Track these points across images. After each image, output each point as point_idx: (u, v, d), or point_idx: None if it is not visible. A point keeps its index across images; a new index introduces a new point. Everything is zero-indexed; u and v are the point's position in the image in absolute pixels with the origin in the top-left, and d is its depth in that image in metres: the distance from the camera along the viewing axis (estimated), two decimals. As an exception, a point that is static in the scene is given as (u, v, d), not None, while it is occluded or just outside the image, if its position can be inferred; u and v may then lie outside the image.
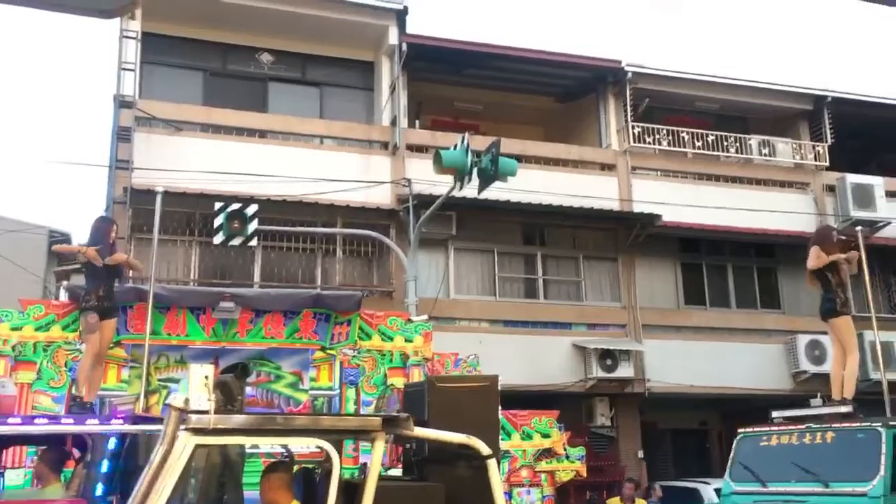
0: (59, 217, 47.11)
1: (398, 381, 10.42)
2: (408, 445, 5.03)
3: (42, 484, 6.46)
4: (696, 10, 51.44)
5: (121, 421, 6.39)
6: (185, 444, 3.73)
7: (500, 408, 5.29)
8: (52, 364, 9.56)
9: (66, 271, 15.88)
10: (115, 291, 8.78)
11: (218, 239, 11.21)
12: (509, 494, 10.49)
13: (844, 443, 7.10)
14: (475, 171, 10.57)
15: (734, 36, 51.30)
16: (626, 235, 15.26)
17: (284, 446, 5.55)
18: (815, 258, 8.48)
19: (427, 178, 12.60)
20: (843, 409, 7.75)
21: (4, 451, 7.67)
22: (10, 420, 6.51)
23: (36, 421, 6.59)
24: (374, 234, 12.76)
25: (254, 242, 11.68)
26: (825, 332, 12.87)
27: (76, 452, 6.74)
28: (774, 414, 8.11)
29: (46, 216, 45.67)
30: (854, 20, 50.06)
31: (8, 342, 9.48)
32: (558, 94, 17.22)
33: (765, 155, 16.74)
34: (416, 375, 10.49)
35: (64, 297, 11.42)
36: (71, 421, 6.72)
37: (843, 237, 13.65)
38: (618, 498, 11.74)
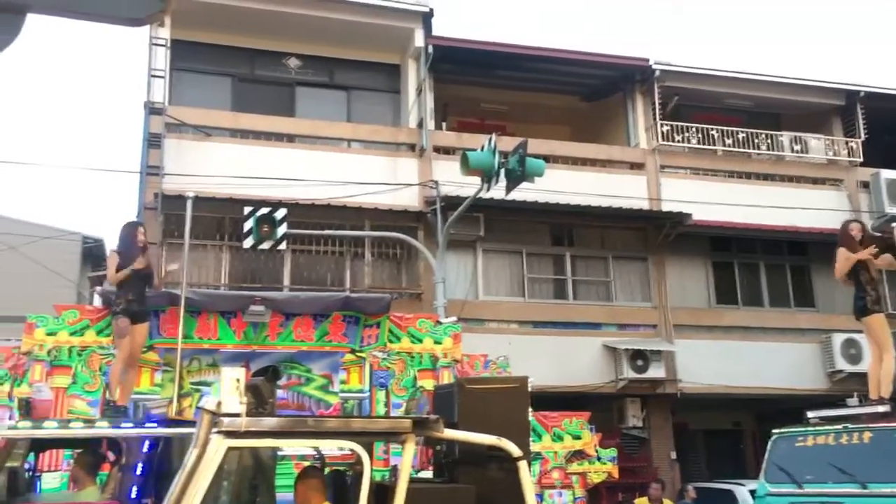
0: (92, 223, 47.83)
1: (428, 384, 10.42)
2: (438, 447, 5.03)
3: (78, 487, 6.55)
4: (724, 7, 50.93)
5: (154, 424, 6.46)
6: (218, 446, 3.76)
7: (530, 409, 5.27)
8: (87, 368, 9.69)
9: (99, 277, 16.12)
10: (148, 296, 8.87)
11: (248, 243, 11.31)
12: (541, 496, 10.44)
13: (882, 443, 6.96)
14: (502, 172, 10.56)
15: (763, 32, 50.71)
16: (655, 235, 15.14)
17: (316, 449, 5.57)
18: (842, 262, 8.29)
19: (454, 180, 12.60)
20: (881, 408, 7.60)
21: (41, 455, 7.78)
22: (47, 424, 6.61)
23: (72, 424, 6.69)
24: (402, 236, 12.78)
25: (283, 246, 11.77)
26: (861, 331, 12.68)
27: (111, 455, 6.83)
28: (810, 414, 7.97)
29: (80, 222, 46.35)
30: (886, 13, 49.25)
31: (44, 347, 9.63)
32: (585, 94, 17.13)
33: (797, 151, 16.52)
34: (446, 377, 10.49)
35: (97, 302, 11.58)
36: (106, 424, 6.80)
37: (878, 234, 13.44)
38: (646, 498, 11.66)
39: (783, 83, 16.72)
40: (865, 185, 16.41)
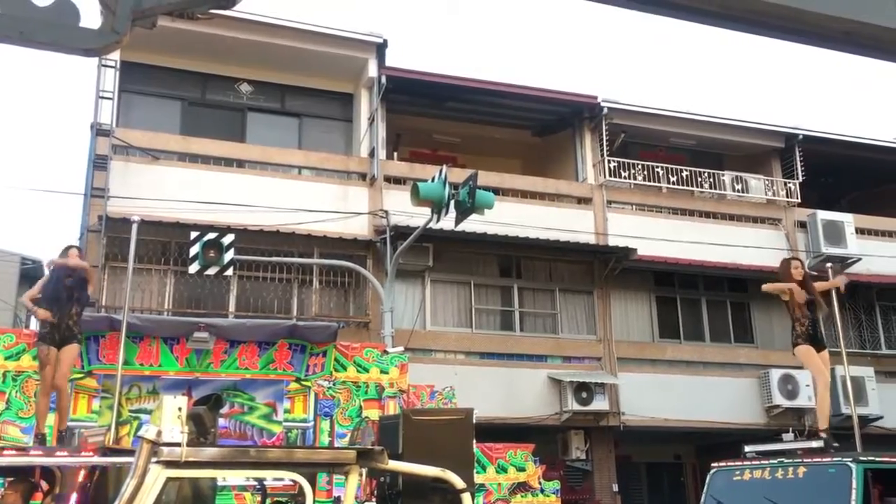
0: (31, 245, 46.56)
1: (373, 414, 10.38)
2: (382, 479, 5.01)
3: (8, 517, 6.33)
4: (669, 49, 52.40)
5: (90, 453, 6.30)
6: (157, 477, 3.70)
7: (475, 441, 5.30)
8: (22, 394, 9.43)
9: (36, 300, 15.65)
10: (86, 321, 8.63)
11: (193, 268, 11.16)
12: (484, 528, 10.42)
13: (816, 478, 7.15)
14: (452, 203, 10.65)
15: (708, 75, 52.25)
16: (601, 268, 15.37)
17: (257, 479, 5.51)
18: (776, 284, 8.76)
19: (405, 210, 12.65)
20: (815, 443, 7.82)
21: (-30, 483, 7.52)
22: (-23, 451, 6.40)
23: (3, 452, 6.48)
24: (350, 264, 12.76)
25: (230, 272, 11.64)
26: (799, 367, 13.00)
27: (44, 485, 6.63)
28: (747, 448, 8.16)
29: (19, 243, 45.05)
30: (825, 62, 51.24)
31: (-24, 371, 9.34)
32: (535, 128, 17.40)
33: (738, 191, 16.98)
34: (392, 408, 10.46)
35: (34, 325, 11.29)
36: (39, 452, 6.61)
37: (815, 273, 13.87)
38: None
39: (726, 124, 17.22)
40: (803, 224, 16.92)
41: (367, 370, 10.82)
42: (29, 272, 20.25)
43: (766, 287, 8.99)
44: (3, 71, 49.16)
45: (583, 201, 15.97)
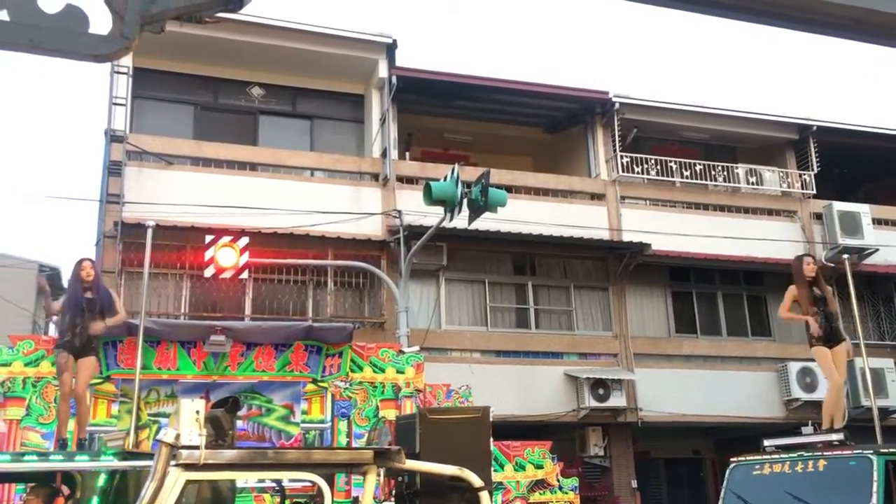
0: (49, 252, 46.93)
1: (390, 413, 10.39)
2: (400, 478, 5.02)
3: (30, 522, 6.38)
4: (680, 43, 52.14)
5: (111, 458, 6.34)
6: (176, 479, 3.72)
7: (492, 439, 5.29)
8: (42, 400, 9.51)
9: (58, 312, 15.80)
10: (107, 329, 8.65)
11: (209, 272, 11.22)
12: (503, 527, 10.41)
13: (836, 471, 7.09)
14: (465, 202, 10.65)
15: (720, 68, 51.96)
16: (616, 264, 15.32)
17: (276, 481, 5.53)
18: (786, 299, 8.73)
19: (418, 210, 12.66)
20: (835, 437, 7.76)
21: (-8, 489, 7.59)
22: (-1, 457, 6.45)
23: (25, 458, 6.54)
24: (364, 265, 12.78)
25: (245, 275, 11.69)
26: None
27: (65, 490, 6.68)
28: (766, 442, 8.10)
29: (36, 251, 45.44)
30: (836, 51, 50.84)
31: (-3, 378, 9.43)
32: (547, 125, 17.35)
33: (752, 184, 16.87)
34: (408, 407, 10.47)
35: (53, 332, 11.39)
36: (60, 457, 6.67)
37: (832, 264, 13.79)
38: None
39: (739, 117, 17.11)
40: (818, 216, 16.79)
41: (383, 370, 10.83)
42: (47, 279, 20.41)
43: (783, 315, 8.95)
44: (18, 79, 49.56)
45: (596, 197, 15.92)
